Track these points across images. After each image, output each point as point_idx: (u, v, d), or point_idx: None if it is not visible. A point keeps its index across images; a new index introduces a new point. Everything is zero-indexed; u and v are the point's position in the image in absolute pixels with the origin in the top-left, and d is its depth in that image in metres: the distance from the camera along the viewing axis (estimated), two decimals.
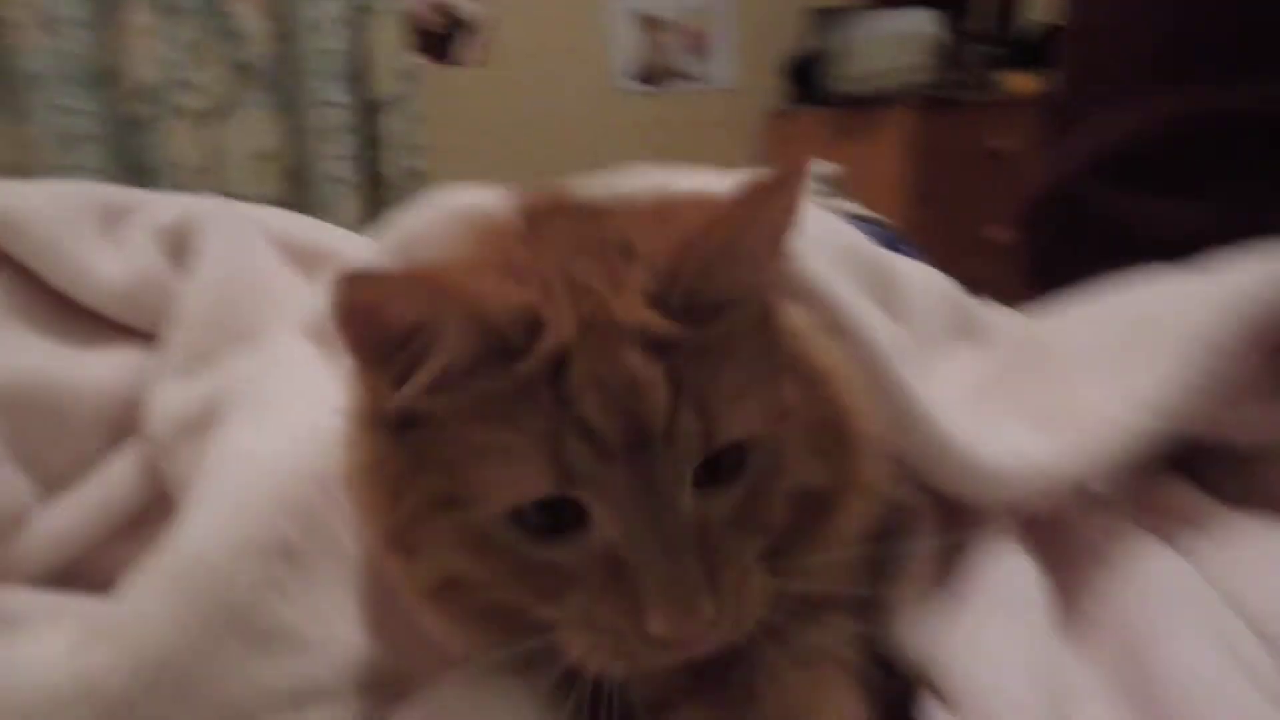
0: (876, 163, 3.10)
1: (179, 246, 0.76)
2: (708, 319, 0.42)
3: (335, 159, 2.62)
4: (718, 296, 0.43)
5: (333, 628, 0.55)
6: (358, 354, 0.44)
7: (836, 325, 0.52)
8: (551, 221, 0.49)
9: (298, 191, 2.65)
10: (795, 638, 0.46)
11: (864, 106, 3.19)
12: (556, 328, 0.41)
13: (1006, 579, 0.49)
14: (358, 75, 2.68)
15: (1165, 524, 0.56)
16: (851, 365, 0.50)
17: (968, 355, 0.82)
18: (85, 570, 0.66)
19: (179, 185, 2.42)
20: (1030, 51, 3.38)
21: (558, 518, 0.41)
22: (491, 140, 3.26)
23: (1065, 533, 0.54)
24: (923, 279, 0.86)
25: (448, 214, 0.70)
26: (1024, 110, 3.13)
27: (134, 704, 0.46)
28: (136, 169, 2.44)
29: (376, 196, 2.74)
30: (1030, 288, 1.09)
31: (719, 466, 0.42)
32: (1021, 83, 3.28)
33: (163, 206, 0.78)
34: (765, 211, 0.42)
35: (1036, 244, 1.13)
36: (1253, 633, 0.46)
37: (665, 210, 0.47)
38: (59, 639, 0.50)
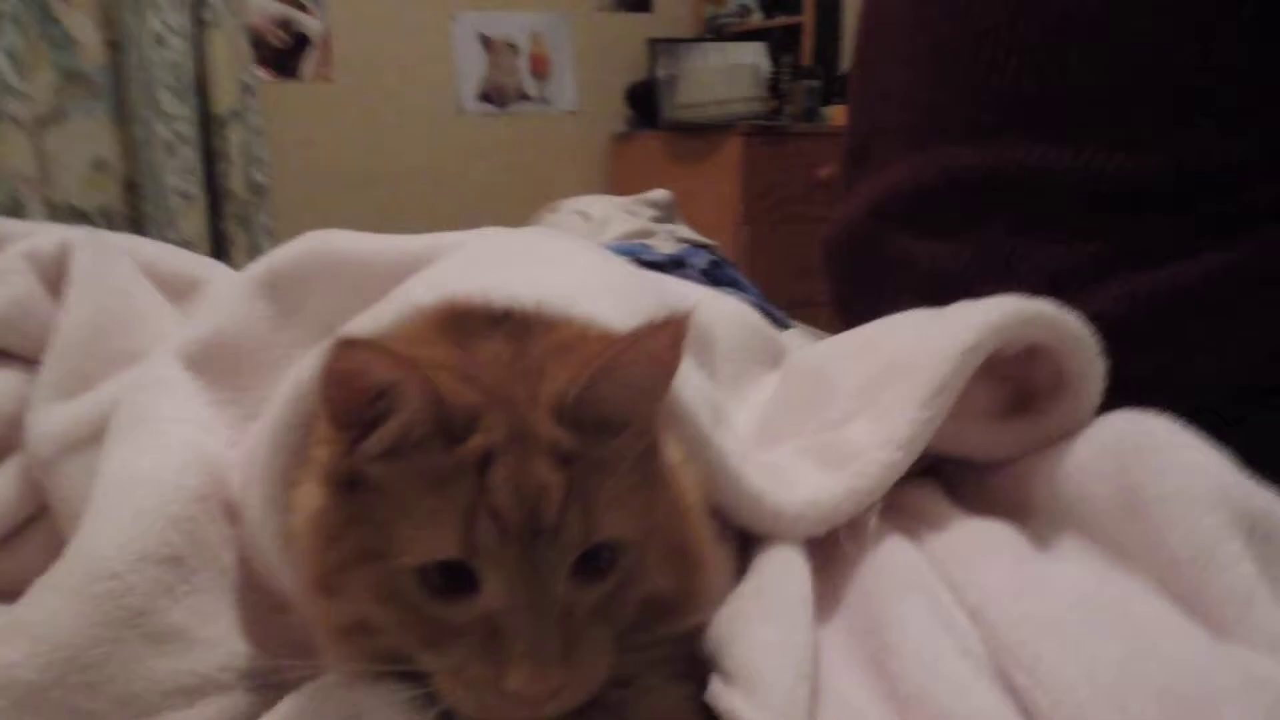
0: (711, 187, 3.27)
1: (54, 276, 0.80)
2: (602, 435, 0.52)
3: (177, 172, 2.58)
4: (611, 416, 0.52)
5: (217, 629, 0.62)
6: (331, 411, 0.51)
7: (670, 407, 0.61)
8: (481, 333, 0.57)
9: (137, 203, 2.59)
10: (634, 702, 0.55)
11: (700, 133, 3.35)
12: (490, 429, 0.50)
13: (781, 577, 0.60)
14: (198, 88, 2.65)
15: (908, 522, 0.68)
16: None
17: (770, 382, 0.95)
18: None
19: (13, 193, 2.34)
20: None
21: (455, 581, 0.49)
22: (335, 156, 3.26)
23: (831, 539, 0.66)
24: (733, 316, 0.98)
25: (317, 255, 0.77)
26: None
27: (47, 693, 0.52)
28: None
29: (218, 210, 2.71)
30: (840, 320, 1.22)
31: (594, 563, 0.51)
32: (843, 115, 3.52)
33: (38, 236, 0.82)
34: (650, 347, 0.52)
35: (834, 278, 1.26)
36: (959, 603, 0.59)
37: (572, 340, 0.57)
38: None
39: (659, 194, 2.03)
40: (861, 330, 0.85)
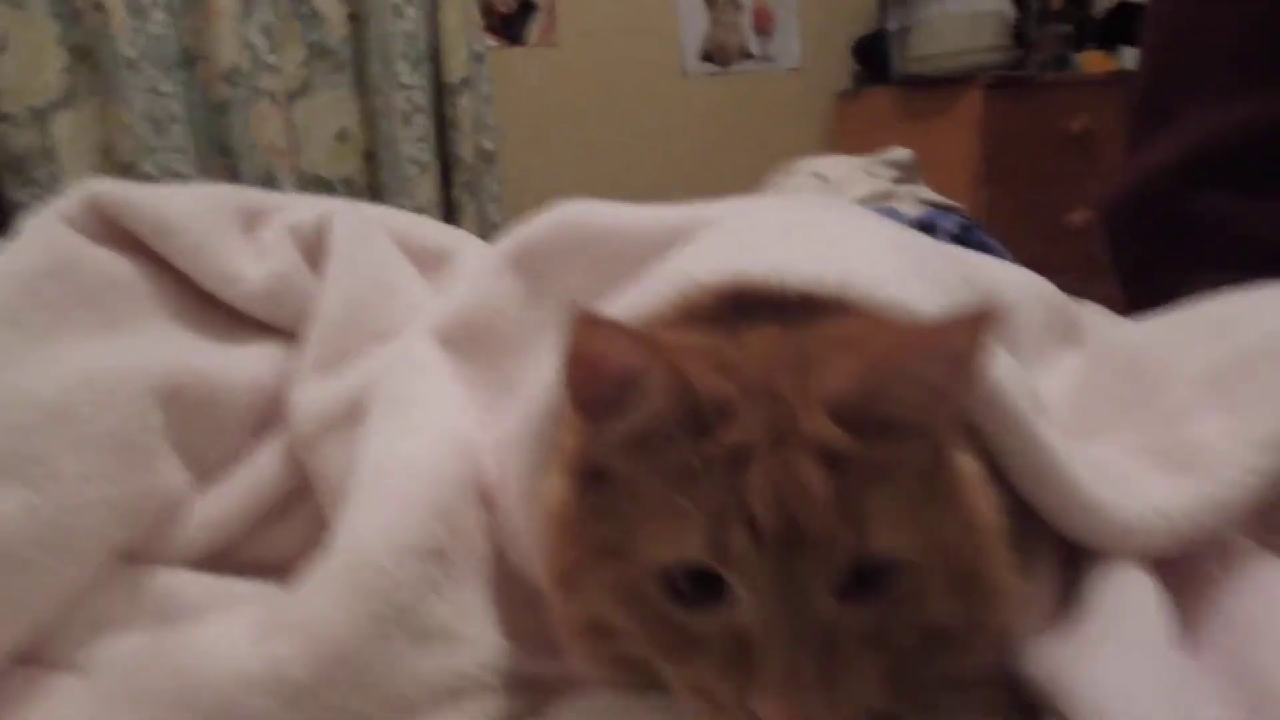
0: (947, 145, 3.06)
1: (314, 248, 0.80)
2: (884, 438, 0.45)
3: (411, 140, 2.66)
4: (897, 418, 0.45)
5: (477, 625, 0.59)
6: (574, 394, 0.47)
7: (993, 402, 0.53)
8: (752, 319, 0.51)
9: (375, 172, 2.70)
10: None
11: (934, 87, 3.15)
12: (746, 423, 0.44)
13: (1130, 603, 0.50)
14: (431, 57, 2.71)
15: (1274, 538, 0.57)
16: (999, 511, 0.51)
17: (1070, 362, 0.83)
18: (234, 554, 0.70)
19: (263, 166, 2.48)
20: (1105, 29, 3.32)
21: (702, 588, 0.44)
22: (559, 122, 3.28)
23: (1185, 558, 0.55)
24: (1019, 285, 0.86)
25: (569, 230, 0.72)
26: (1099, 90, 3.09)
27: (316, 692, 0.50)
28: (222, 150, 2.50)
29: (449, 178, 2.78)
30: (1125, 294, 1.08)
31: (864, 581, 0.44)
32: (1096, 61, 3.22)
33: (298, 209, 0.82)
34: (954, 342, 0.44)
35: (1125, 248, 1.11)
36: None
37: (859, 329, 0.49)
38: (240, 628, 0.54)
39: (900, 153, 1.91)
40: (1199, 309, 0.72)
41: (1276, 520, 0.58)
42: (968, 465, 0.51)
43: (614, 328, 0.44)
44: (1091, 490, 0.53)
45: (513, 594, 0.61)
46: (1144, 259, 1.08)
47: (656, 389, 0.45)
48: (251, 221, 0.80)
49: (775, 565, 0.43)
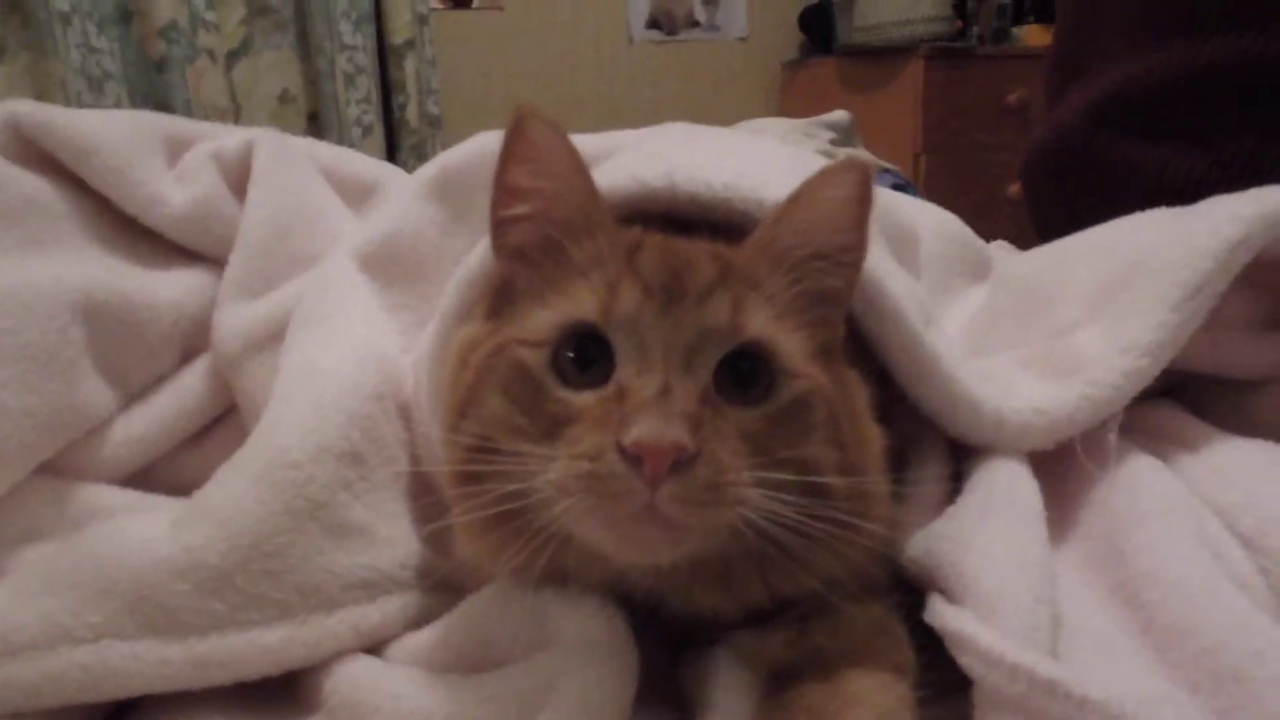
0: (890, 115, 3.10)
1: (238, 175, 0.80)
2: (774, 267, 0.50)
3: (355, 103, 2.64)
4: (787, 254, 0.50)
5: (395, 529, 0.61)
6: (501, 189, 0.52)
7: (874, 301, 0.56)
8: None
9: (319, 135, 2.66)
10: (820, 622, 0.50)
11: (877, 58, 3.18)
12: (642, 232, 0.51)
13: (1009, 491, 0.53)
14: (373, 17, 2.69)
15: (1155, 444, 0.60)
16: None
17: (977, 296, 0.87)
18: (158, 474, 0.71)
19: None
20: (1044, 3, 3.37)
21: (588, 367, 0.47)
22: (505, 86, 3.27)
23: (1061, 456, 0.59)
24: (936, 225, 0.90)
25: (491, 157, 0.74)
26: (1038, 63, 3.13)
27: (232, 579, 0.51)
28: (160, 109, 2.46)
29: (395, 142, 2.77)
30: (1040, 238, 1.12)
31: (745, 378, 0.47)
32: (1037, 35, 3.27)
33: (223, 137, 0.82)
34: (834, 189, 0.50)
35: (1039, 193, 1.15)
36: (1228, 530, 0.51)
37: None
38: (157, 520, 0.56)
39: (837, 115, 1.94)
40: (1084, 235, 0.76)
41: (1143, 423, 0.61)
42: (860, 385, 0.54)
43: (551, 123, 0.50)
44: (971, 386, 0.56)
45: (429, 505, 0.62)
46: (1060, 206, 1.12)
47: (567, 182, 0.51)
48: (175, 149, 0.81)
49: (658, 315, 0.47)
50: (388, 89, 2.75)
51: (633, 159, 0.59)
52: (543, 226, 0.51)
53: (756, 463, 0.45)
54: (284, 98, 2.65)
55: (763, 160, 0.60)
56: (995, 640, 0.40)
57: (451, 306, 0.59)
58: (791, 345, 0.49)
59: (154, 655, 0.48)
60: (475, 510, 0.48)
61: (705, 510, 0.43)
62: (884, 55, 3.16)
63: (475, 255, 0.59)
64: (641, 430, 0.42)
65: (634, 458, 0.42)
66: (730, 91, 3.62)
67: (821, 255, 0.51)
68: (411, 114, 2.74)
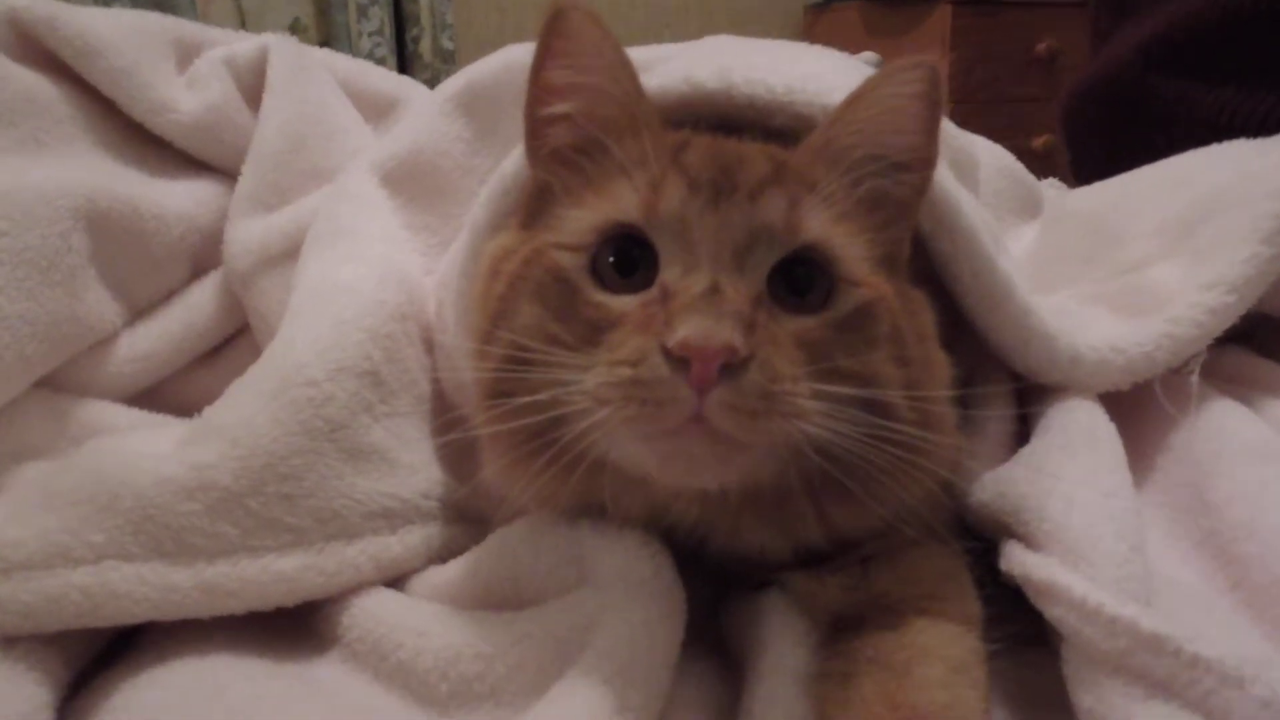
0: None
1: (252, 84, 0.76)
2: (836, 168, 0.45)
3: (369, 35, 2.57)
4: (853, 155, 0.45)
5: (418, 456, 0.57)
6: (538, 87, 0.48)
7: (944, 219, 0.52)
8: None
9: (324, 15, 2.58)
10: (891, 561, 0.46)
11: (902, 3, 3.10)
12: (689, 132, 0.46)
13: (1091, 432, 0.49)
14: None
15: (1234, 389, 0.56)
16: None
17: (1029, 234, 0.82)
18: (167, 395, 0.67)
19: None
20: None
21: (630, 274, 0.43)
22: (519, 22, 3.18)
23: (1138, 399, 0.55)
24: (992, 157, 0.85)
25: (520, 70, 0.69)
26: (1066, 12, 3.05)
27: (243, 500, 0.47)
28: None
29: (407, 75, 2.69)
30: (1076, 181, 1.08)
31: (804, 292, 0.43)
32: None
33: (236, 43, 0.77)
34: (904, 84, 0.45)
35: (1081, 134, 1.11)
36: None
37: None
38: (165, 437, 0.52)
39: (866, 55, 1.87)
40: (1153, 168, 0.72)
41: (1218, 367, 0.57)
42: (926, 308, 0.49)
43: (593, 17, 0.46)
44: (1046, 319, 0.52)
45: (451, 433, 0.58)
46: (1103, 148, 1.08)
47: (612, 75, 0.47)
48: (186, 53, 0.76)
49: (705, 211, 0.42)
50: (401, 21, 2.67)
51: (684, 63, 0.54)
52: (583, 125, 0.47)
53: (815, 372, 0.41)
54: (295, 27, 2.56)
55: (828, 66, 0.56)
56: (1090, 590, 0.36)
57: (483, 217, 0.55)
58: (854, 251, 0.44)
59: (159, 579, 0.45)
60: (504, 423, 0.44)
61: (759, 422, 0.39)
62: (910, 1, 3.08)
63: (510, 162, 0.54)
64: (689, 330, 0.38)
65: (680, 360, 0.38)
66: (751, 34, 3.46)
67: (886, 158, 0.46)
68: (425, 48, 2.66)
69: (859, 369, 0.42)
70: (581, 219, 0.45)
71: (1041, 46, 2.98)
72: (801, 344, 0.41)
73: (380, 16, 2.60)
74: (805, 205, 0.43)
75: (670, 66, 0.54)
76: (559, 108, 0.48)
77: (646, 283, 0.43)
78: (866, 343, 0.43)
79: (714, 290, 0.40)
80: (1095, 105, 1.07)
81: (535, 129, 0.49)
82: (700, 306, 0.39)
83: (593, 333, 0.42)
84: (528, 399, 0.42)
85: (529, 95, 0.48)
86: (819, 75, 0.51)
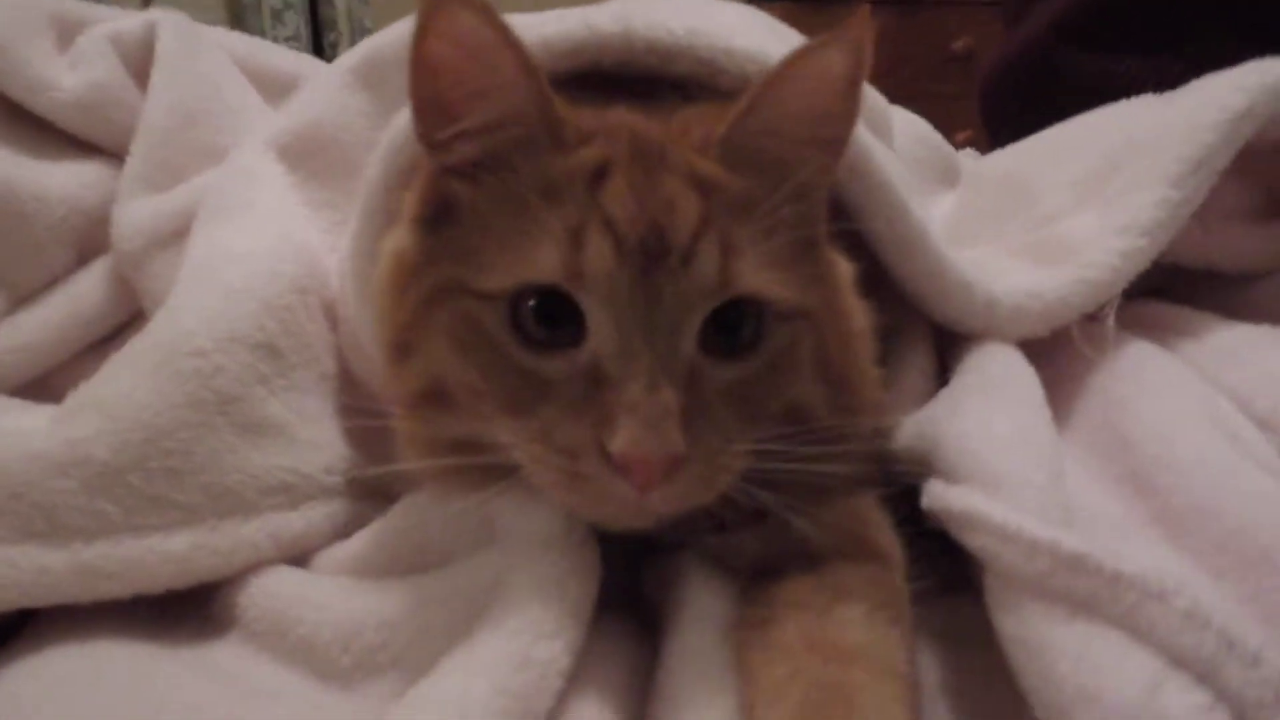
0: None
1: (142, 61, 0.72)
2: (760, 175, 0.42)
3: (285, 40, 2.50)
4: (773, 153, 0.42)
5: (321, 433, 0.54)
6: (419, 98, 0.43)
7: (857, 166, 0.50)
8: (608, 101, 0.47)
9: (238, 21, 2.51)
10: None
11: (826, 3, 3.13)
12: (607, 143, 0.42)
13: (1006, 373, 0.49)
14: None
15: (1154, 334, 0.56)
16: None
17: (952, 200, 0.82)
18: (55, 387, 0.63)
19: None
20: None
21: (554, 324, 0.40)
22: None
23: (1058, 347, 0.54)
24: (910, 126, 0.85)
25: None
26: (983, 10, 3.11)
27: (123, 475, 0.44)
28: None
29: (318, 27, 2.61)
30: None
31: (733, 332, 0.41)
32: None
33: (122, 20, 0.74)
34: (827, 62, 0.42)
35: (999, 113, 1.13)
36: (1240, 411, 0.47)
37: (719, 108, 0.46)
38: (37, 414, 0.48)
39: None
40: (1065, 125, 0.72)
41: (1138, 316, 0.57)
42: (843, 265, 0.48)
43: (477, 6, 0.39)
44: (962, 266, 0.51)
45: (357, 408, 0.56)
46: (1021, 126, 1.09)
47: (514, 88, 0.41)
48: (67, 30, 0.72)
49: (636, 282, 0.39)
50: (318, 27, 2.61)
51: (582, 9, 0.52)
52: (482, 141, 0.43)
53: (745, 414, 0.41)
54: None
55: (732, 13, 0.54)
56: (1010, 515, 0.35)
57: (377, 177, 0.52)
58: (782, 287, 0.42)
59: (30, 562, 0.41)
60: (425, 432, 0.44)
61: (698, 493, 0.40)
62: (830, 1, 3.11)
63: (403, 117, 0.50)
64: (629, 443, 0.37)
65: (621, 465, 0.37)
66: None
67: (813, 141, 0.44)
68: (343, 53, 2.62)
69: (787, 398, 0.43)
70: (495, 266, 0.41)
71: (958, 44, 3.03)
72: (733, 393, 0.41)
73: (296, 22, 2.55)
74: (738, 247, 0.41)
75: (568, 12, 0.53)
76: (452, 128, 0.43)
77: (573, 339, 0.40)
78: (793, 369, 0.43)
79: (652, 387, 0.38)
80: (1011, 84, 1.09)
81: (432, 148, 0.44)
82: (641, 409, 0.37)
83: (522, 395, 0.40)
84: (452, 432, 0.43)
85: (413, 109, 0.44)
86: (720, 19, 0.50)
